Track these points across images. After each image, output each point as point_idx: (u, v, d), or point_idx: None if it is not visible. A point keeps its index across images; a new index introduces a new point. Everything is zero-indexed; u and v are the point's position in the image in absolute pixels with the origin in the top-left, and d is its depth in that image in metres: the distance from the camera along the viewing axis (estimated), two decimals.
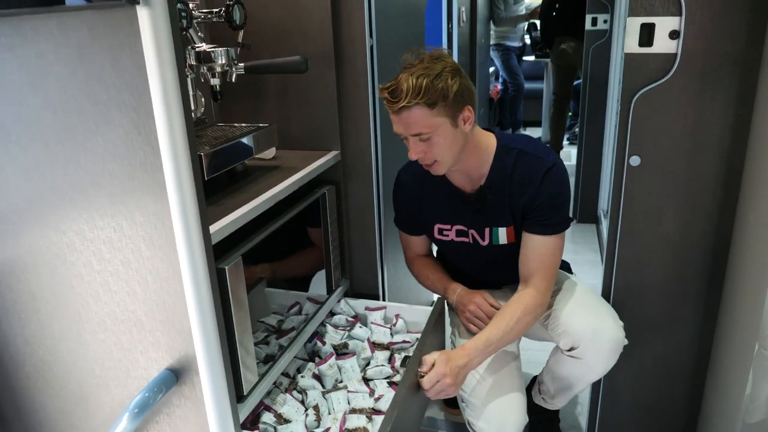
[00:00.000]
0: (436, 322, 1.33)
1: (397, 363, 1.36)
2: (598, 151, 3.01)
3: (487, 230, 1.35)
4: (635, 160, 1.28)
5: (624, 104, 1.25)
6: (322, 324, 1.47)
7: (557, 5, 3.72)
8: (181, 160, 0.85)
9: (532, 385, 1.62)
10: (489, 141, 1.31)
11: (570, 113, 4.70)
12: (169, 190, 0.87)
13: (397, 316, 1.49)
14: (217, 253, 1.00)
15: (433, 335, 1.31)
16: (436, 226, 1.41)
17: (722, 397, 1.33)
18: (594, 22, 2.78)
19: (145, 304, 0.95)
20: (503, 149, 1.31)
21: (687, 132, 1.24)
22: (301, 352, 1.38)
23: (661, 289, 1.38)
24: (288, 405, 1.23)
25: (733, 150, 1.23)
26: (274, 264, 1.28)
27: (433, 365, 1.19)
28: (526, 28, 4.68)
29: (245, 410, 1.08)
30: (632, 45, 1.22)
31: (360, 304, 1.54)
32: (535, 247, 1.29)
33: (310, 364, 1.35)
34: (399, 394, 1.12)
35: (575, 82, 4.23)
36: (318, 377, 1.31)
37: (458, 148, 1.23)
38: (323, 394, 1.27)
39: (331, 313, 1.53)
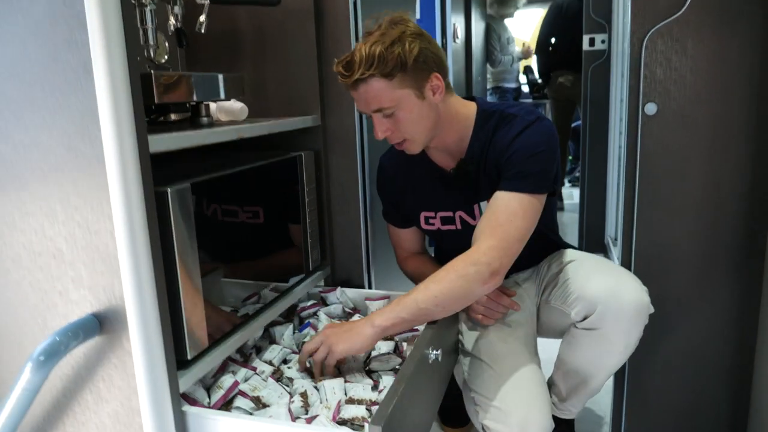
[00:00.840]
0: None
1: (406, 350, 1.15)
2: (603, 175, 2.87)
3: (476, 207, 1.20)
4: (651, 108, 1.14)
5: (634, 46, 1.13)
6: (315, 315, 1.28)
7: (554, 39, 3.72)
8: (113, 34, 0.71)
9: None
10: (468, 110, 1.17)
11: (570, 157, 4.61)
12: (97, 76, 0.72)
13: None
14: (163, 178, 0.84)
15: (447, 319, 1.12)
16: (422, 215, 1.26)
17: None
18: (591, 42, 2.73)
19: (65, 226, 0.77)
20: (483, 115, 1.16)
21: (707, 73, 1.11)
22: (289, 342, 1.19)
23: (689, 263, 1.20)
24: (269, 389, 1.02)
25: (764, 91, 1.09)
26: (254, 263, 1.14)
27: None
28: (523, 71, 4.70)
29: (188, 379, 0.87)
30: None
31: (359, 295, 1.36)
32: (492, 204, 1.08)
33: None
34: (407, 367, 0.92)
35: (574, 124, 4.16)
36: (308, 369, 1.10)
37: (429, 122, 1.11)
38: (314, 384, 1.06)
39: (325, 303, 1.35)
